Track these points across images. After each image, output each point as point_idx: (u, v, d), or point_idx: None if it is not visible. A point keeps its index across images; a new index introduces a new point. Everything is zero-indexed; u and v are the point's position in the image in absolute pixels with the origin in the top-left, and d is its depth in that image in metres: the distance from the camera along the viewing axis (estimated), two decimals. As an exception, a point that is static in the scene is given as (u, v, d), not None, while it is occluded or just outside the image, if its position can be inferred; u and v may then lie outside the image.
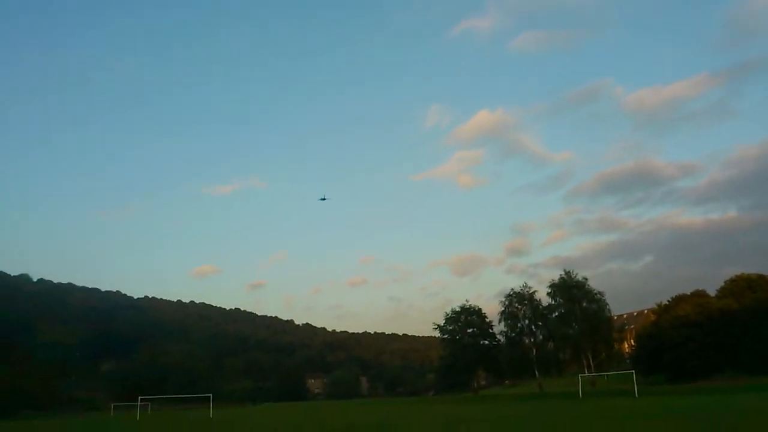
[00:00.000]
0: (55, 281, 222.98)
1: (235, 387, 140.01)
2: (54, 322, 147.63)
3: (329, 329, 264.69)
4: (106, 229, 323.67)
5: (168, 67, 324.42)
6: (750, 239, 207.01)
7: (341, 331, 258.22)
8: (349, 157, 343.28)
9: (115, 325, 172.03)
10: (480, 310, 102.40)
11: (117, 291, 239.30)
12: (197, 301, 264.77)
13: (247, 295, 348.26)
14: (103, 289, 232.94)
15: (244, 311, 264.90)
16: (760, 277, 78.53)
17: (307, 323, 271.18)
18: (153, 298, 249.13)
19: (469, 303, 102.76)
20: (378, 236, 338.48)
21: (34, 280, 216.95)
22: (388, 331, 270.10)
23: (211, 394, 73.85)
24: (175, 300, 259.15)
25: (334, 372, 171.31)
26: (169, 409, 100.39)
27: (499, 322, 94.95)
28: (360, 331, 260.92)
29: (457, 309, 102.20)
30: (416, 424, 29.37)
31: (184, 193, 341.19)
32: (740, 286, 77.82)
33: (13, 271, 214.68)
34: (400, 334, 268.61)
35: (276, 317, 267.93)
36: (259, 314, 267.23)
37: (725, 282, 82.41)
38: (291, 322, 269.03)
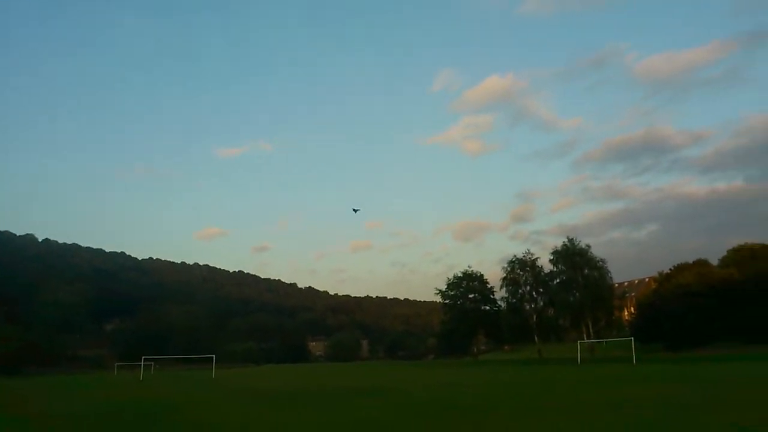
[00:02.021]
0: (60, 241, 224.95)
1: (238, 348, 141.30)
2: (59, 282, 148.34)
3: (332, 293, 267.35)
4: (112, 190, 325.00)
5: (179, 28, 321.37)
6: (755, 209, 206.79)
7: (343, 295, 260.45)
8: (355, 121, 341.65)
9: (119, 286, 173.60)
10: (482, 275, 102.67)
11: (122, 252, 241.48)
12: (201, 263, 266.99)
13: (252, 258, 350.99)
14: (107, 250, 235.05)
15: (248, 274, 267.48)
16: (764, 246, 78.30)
17: (310, 287, 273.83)
18: (157, 259, 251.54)
19: (472, 269, 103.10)
20: (384, 201, 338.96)
21: (40, 240, 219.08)
22: (390, 296, 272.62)
23: (213, 355, 74.50)
24: (180, 262, 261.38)
25: (336, 335, 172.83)
26: (172, 369, 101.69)
27: (501, 288, 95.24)
28: (362, 295, 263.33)
29: (460, 274, 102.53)
30: (409, 387, 29.63)
31: (192, 155, 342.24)
32: (743, 256, 77.62)
33: (19, 231, 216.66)
34: (402, 299, 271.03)
35: (279, 280, 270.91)
36: (262, 277, 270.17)
37: (728, 251, 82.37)
38: (294, 285, 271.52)
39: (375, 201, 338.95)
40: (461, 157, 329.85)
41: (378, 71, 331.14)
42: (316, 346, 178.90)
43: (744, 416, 12.66)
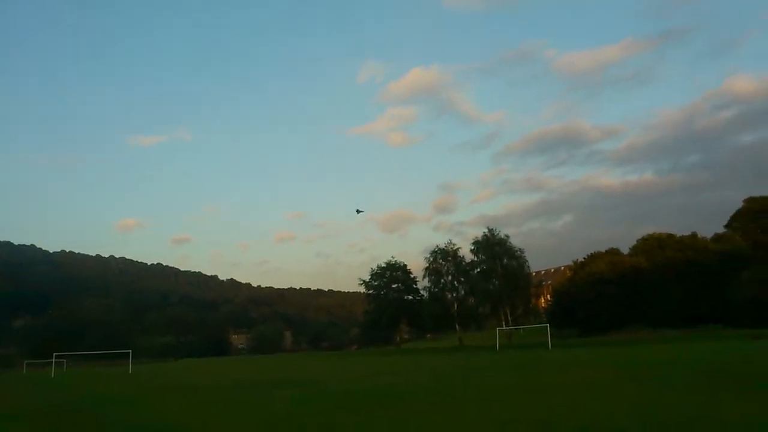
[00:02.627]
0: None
1: (156, 343, 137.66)
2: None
3: (254, 285, 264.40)
4: (21, 180, 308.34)
5: (92, 10, 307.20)
6: (664, 201, 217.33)
7: (266, 287, 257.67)
8: (280, 110, 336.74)
9: (28, 281, 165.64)
10: (405, 266, 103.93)
11: (32, 245, 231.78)
12: (117, 256, 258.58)
13: (171, 250, 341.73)
14: (16, 243, 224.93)
15: (167, 266, 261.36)
16: (670, 236, 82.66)
17: (232, 279, 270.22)
18: (70, 252, 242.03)
19: (395, 259, 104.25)
20: (308, 192, 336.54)
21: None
22: (314, 287, 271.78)
23: (130, 350, 72.29)
24: (94, 254, 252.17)
25: (258, 327, 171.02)
26: (87, 365, 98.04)
27: (424, 277, 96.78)
28: (286, 287, 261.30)
29: (383, 265, 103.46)
30: (330, 378, 29.74)
31: (107, 143, 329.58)
32: (651, 245, 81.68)
33: None
34: (326, 290, 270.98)
35: (200, 272, 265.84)
36: (182, 269, 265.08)
37: (637, 241, 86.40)
38: (215, 277, 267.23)
39: (299, 192, 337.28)
40: (386, 149, 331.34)
41: (303, 61, 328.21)
42: (238, 339, 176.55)
43: (645, 392, 13.36)
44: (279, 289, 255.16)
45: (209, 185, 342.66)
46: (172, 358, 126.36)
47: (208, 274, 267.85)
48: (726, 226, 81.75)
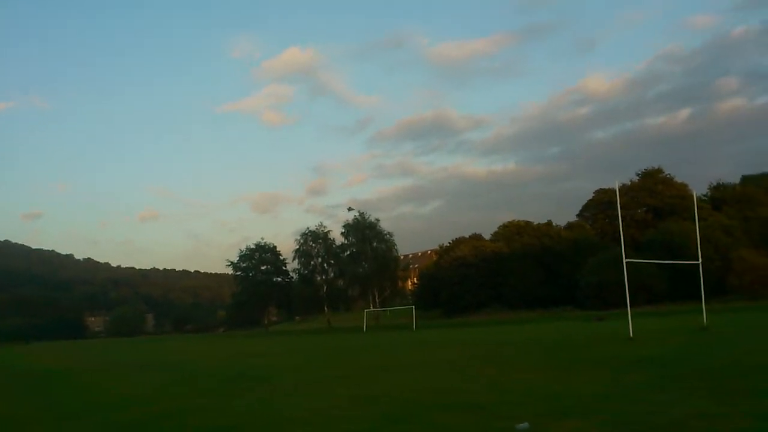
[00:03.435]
0: None
1: (2, 325, 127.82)
2: None
3: (114, 265, 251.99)
4: None
5: None
6: (525, 190, 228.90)
7: (128, 267, 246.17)
8: (145, 82, 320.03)
9: None
10: (275, 247, 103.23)
11: None
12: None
13: (20, 226, 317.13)
14: None
15: (16, 244, 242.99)
16: (527, 223, 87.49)
17: (89, 258, 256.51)
18: None
19: (265, 240, 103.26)
20: (176, 169, 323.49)
21: None
22: (179, 268, 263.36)
23: (-30, 334, 66.73)
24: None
25: (117, 309, 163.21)
26: None
27: (294, 259, 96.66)
28: (149, 268, 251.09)
29: (252, 246, 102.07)
30: (190, 360, 29.10)
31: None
32: (511, 231, 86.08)
33: None
34: (192, 271, 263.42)
35: (53, 251, 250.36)
36: (33, 247, 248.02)
37: (499, 227, 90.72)
38: (71, 256, 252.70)
39: (167, 168, 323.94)
40: (261, 127, 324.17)
41: (173, 31, 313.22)
42: (95, 322, 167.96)
43: (500, 370, 14.17)
44: (141, 269, 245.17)
45: (66, 158, 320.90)
46: (21, 341, 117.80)
47: (63, 252, 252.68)
48: (578, 215, 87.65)
